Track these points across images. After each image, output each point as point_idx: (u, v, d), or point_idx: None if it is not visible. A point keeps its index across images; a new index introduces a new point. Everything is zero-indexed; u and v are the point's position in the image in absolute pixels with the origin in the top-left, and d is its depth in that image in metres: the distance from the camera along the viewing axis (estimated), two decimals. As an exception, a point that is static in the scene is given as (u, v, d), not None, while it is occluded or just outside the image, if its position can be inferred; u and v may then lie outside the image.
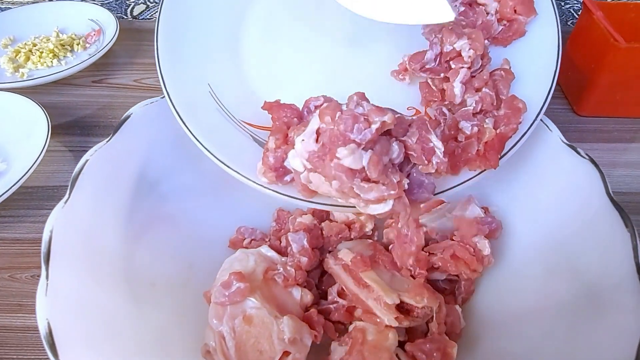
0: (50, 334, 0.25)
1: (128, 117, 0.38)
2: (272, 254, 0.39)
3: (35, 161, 0.51)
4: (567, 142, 0.37)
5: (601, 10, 0.59)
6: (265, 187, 0.35)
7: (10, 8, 0.86)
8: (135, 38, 0.76)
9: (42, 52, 0.68)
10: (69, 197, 0.32)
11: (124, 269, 0.34)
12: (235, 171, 0.35)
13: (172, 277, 0.38)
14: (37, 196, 0.53)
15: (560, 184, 0.37)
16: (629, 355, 0.27)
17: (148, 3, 0.89)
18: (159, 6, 0.41)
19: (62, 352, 0.25)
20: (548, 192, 0.38)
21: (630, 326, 0.28)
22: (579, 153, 0.36)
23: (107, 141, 0.36)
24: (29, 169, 0.50)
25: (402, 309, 0.34)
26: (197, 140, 0.36)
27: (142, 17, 0.85)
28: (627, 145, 0.59)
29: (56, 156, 0.57)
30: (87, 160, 0.34)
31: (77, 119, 0.63)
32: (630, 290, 0.29)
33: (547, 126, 0.39)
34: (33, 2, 0.84)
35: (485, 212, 0.41)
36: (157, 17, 0.40)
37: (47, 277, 0.28)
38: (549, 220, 0.37)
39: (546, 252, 0.37)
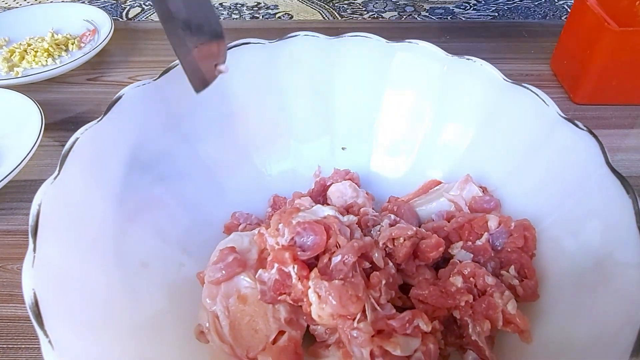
0: (36, 304, 0.24)
1: (119, 97, 0.37)
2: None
3: (28, 154, 0.51)
4: (565, 116, 0.37)
5: (594, -2, 0.59)
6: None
7: (5, 10, 0.86)
8: (130, 37, 0.76)
9: (36, 52, 0.68)
10: (58, 173, 0.31)
11: (113, 246, 0.33)
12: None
13: (165, 260, 0.37)
14: (30, 189, 0.52)
15: (561, 157, 0.36)
16: (635, 319, 0.26)
17: (143, 6, 0.90)
18: None
19: (48, 322, 0.24)
20: (548, 166, 0.37)
21: (634, 292, 0.27)
22: (577, 125, 0.36)
23: (98, 121, 0.36)
24: (21, 162, 0.50)
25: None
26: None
27: (137, 19, 0.86)
28: (627, 132, 0.59)
29: (50, 150, 0.56)
30: (77, 139, 0.33)
31: (72, 115, 0.62)
32: (632, 254, 0.28)
33: (543, 101, 0.38)
34: (28, 3, 0.85)
35: (483, 192, 0.41)
36: None
37: (34, 250, 0.27)
38: (550, 193, 0.37)
39: (549, 225, 0.36)
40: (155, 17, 0.85)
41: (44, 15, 0.75)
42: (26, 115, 0.56)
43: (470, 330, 0.31)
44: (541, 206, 0.37)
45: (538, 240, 0.36)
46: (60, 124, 0.61)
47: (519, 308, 0.32)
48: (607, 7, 0.58)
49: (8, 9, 0.87)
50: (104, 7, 0.88)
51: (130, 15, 0.87)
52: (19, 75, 0.65)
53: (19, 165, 0.49)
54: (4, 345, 0.39)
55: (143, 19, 0.86)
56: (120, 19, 0.86)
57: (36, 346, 0.35)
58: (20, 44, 0.70)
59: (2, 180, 0.48)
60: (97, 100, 0.64)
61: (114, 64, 0.71)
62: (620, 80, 0.59)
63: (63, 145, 0.56)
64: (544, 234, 0.36)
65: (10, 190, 0.51)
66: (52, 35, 0.72)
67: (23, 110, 0.56)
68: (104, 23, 0.72)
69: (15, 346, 0.39)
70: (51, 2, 0.80)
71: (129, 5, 0.90)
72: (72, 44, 0.71)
